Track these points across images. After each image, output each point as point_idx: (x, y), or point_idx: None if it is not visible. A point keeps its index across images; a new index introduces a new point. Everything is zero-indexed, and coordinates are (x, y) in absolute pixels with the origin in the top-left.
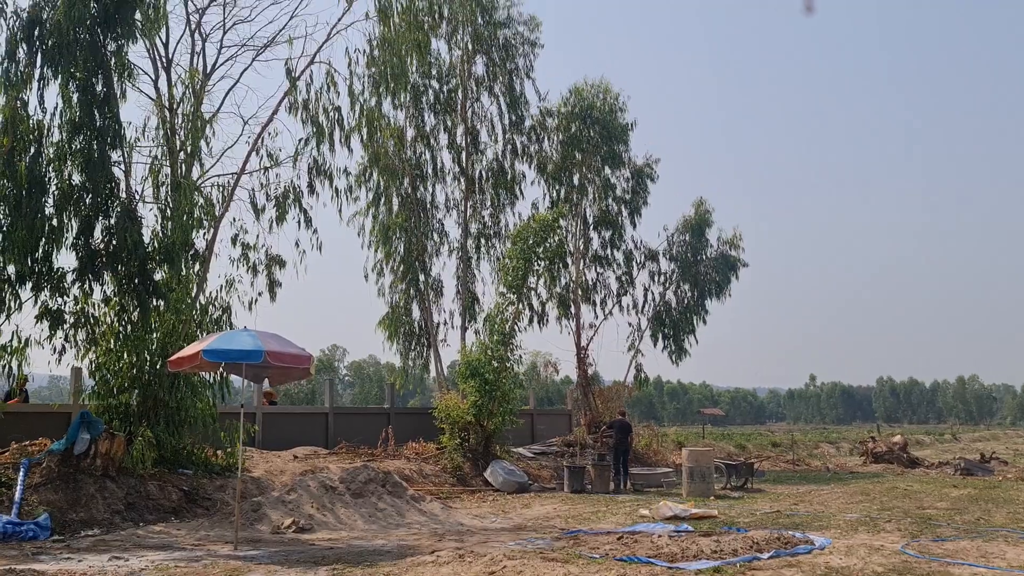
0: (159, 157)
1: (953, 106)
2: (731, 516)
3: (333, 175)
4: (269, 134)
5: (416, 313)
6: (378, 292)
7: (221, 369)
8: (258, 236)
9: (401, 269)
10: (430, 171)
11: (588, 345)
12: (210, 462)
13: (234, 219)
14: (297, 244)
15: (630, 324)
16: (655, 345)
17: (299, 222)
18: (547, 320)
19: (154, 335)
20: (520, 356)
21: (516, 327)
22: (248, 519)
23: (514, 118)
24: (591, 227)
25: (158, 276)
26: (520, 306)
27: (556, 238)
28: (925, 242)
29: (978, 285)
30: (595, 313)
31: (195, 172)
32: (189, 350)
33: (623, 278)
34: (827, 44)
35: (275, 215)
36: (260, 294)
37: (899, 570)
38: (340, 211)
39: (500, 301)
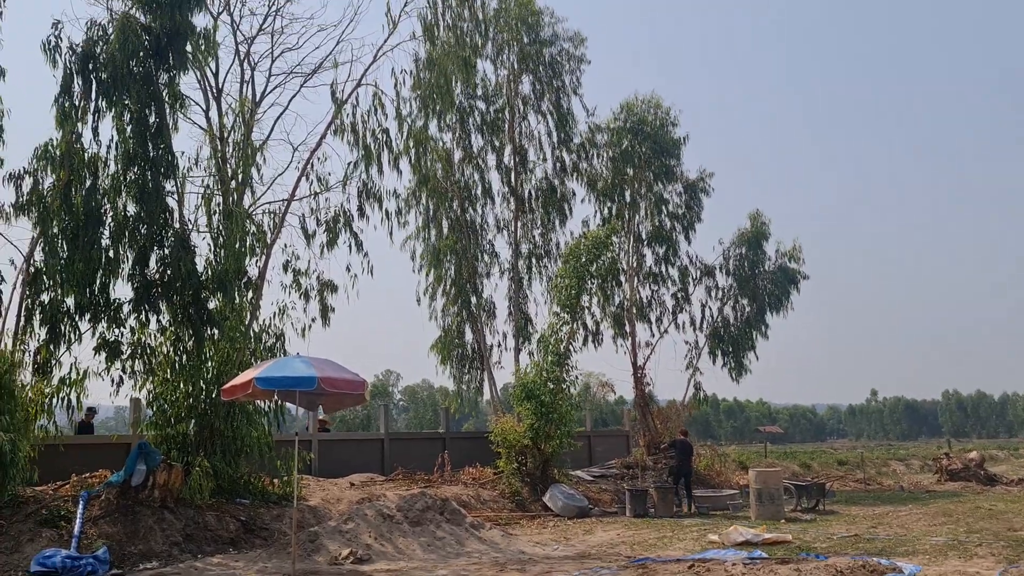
0: (211, 186)
1: None
2: (806, 541)
3: (383, 197)
4: (318, 159)
5: (468, 336)
6: (430, 316)
7: (276, 397)
8: (309, 262)
9: (452, 292)
10: (479, 192)
11: (645, 364)
12: (267, 491)
13: (285, 245)
14: (348, 268)
15: (687, 342)
16: (713, 363)
17: (350, 246)
18: (602, 339)
19: (209, 364)
20: (576, 377)
21: (571, 347)
22: (305, 550)
23: (562, 136)
24: (644, 243)
25: (212, 305)
26: (575, 326)
27: (609, 255)
28: (990, 251)
29: None
30: (651, 331)
31: (246, 200)
32: (242, 378)
33: (678, 295)
34: (893, 45)
35: (326, 240)
36: (313, 320)
37: None
38: (391, 233)
39: (554, 321)
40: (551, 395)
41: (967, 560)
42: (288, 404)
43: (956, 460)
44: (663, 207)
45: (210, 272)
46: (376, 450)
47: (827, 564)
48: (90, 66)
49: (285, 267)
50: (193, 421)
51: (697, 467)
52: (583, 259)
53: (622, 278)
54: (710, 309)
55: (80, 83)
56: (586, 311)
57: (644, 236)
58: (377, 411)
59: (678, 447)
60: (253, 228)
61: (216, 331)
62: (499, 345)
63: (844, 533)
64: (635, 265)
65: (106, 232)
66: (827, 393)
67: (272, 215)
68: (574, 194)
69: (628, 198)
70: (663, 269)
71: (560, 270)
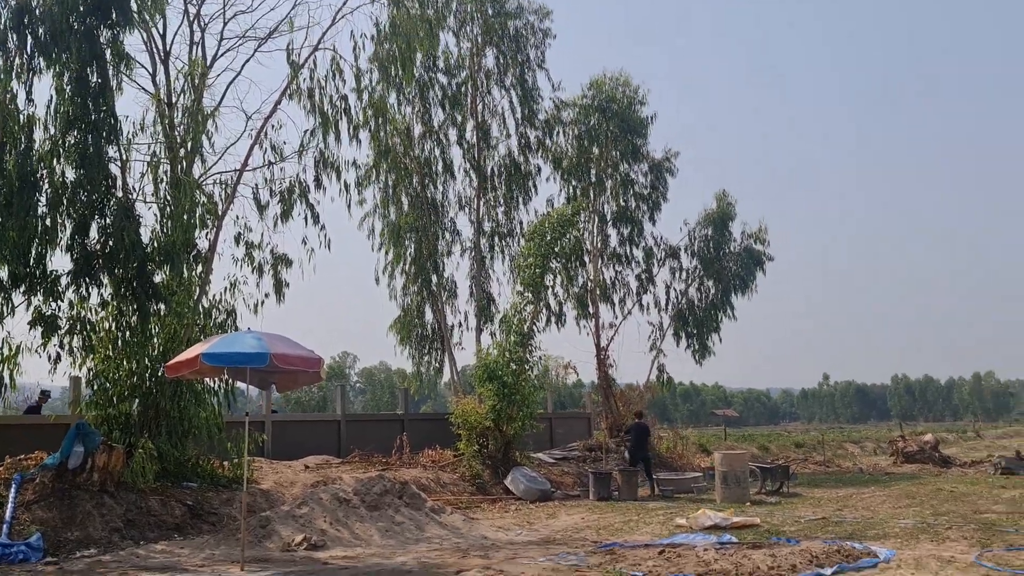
0: (157, 153)
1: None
2: (774, 524)
3: (341, 168)
4: (272, 126)
5: (429, 315)
6: (389, 295)
7: (225, 375)
8: (262, 234)
9: (412, 270)
10: (440, 168)
11: (608, 345)
12: (216, 474)
13: (237, 217)
14: (304, 242)
15: (651, 323)
16: (678, 344)
17: (306, 218)
18: (565, 320)
19: (155, 341)
20: (540, 357)
21: (535, 327)
22: (256, 536)
23: (527, 111)
24: (609, 224)
25: (158, 278)
26: (538, 305)
27: (574, 234)
28: (938, 239)
29: (993, 281)
30: (614, 313)
31: (196, 170)
32: (188, 354)
33: (643, 276)
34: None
35: (280, 212)
36: (267, 296)
37: None
38: (349, 207)
39: (517, 300)
40: (514, 376)
41: (939, 544)
42: (240, 383)
43: (911, 442)
44: (629, 187)
45: (156, 244)
46: (332, 432)
47: (801, 549)
48: (26, 20)
49: (237, 240)
50: (137, 400)
51: (659, 449)
52: (548, 237)
53: (586, 258)
54: (675, 290)
55: (15, 39)
56: (550, 291)
57: (609, 216)
58: (333, 392)
59: (634, 431)
60: (203, 199)
61: (162, 306)
62: (460, 325)
63: (811, 516)
64: (599, 245)
65: (43, 199)
66: (780, 377)
67: (223, 185)
68: (539, 170)
69: (593, 177)
70: (628, 250)
71: (524, 248)
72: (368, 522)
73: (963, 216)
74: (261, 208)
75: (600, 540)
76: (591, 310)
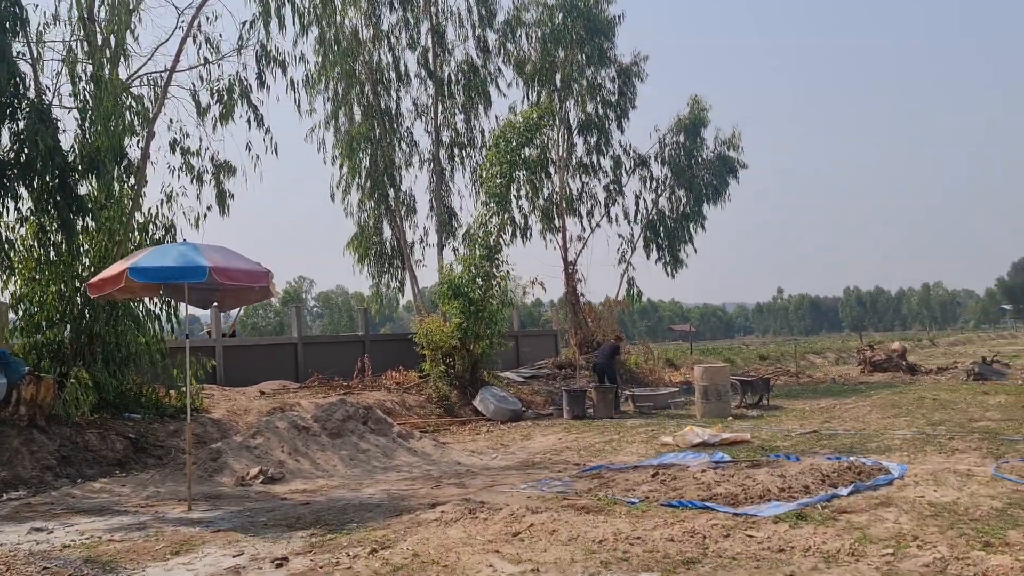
0: (75, 48)
1: (952, 26)
2: (764, 440)
3: (287, 63)
4: (207, 17)
5: (387, 232)
6: (345, 211)
7: (161, 293)
8: (201, 140)
9: (368, 185)
10: (393, 75)
11: (576, 259)
12: (162, 404)
13: (172, 121)
14: (248, 148)
15: (620, 236)
16: (648, 257)
17: (249, 121)
18: (530, 234)
19: (84, 260)
20: (508, 272)
21: (501, 240)
22: (206, 470)
23: (485, 12)
24: (575, 132)
25: (83, 190)
26: (504, 217)
27: (541, 140)
28: (889, 153)
29: (941, 195)
30: (582, 226)
31: (123, 72)
32: (113, 270)
33: (611, 187)
34: None
35: (220, 112)
36: (209, 208)
37: (1019, 503)
38: (298, 106)
39: (482, 212)
40: (480, 292)
41: (949, 456)
42: (182, 303)
43: (879, 351)
44: (596, 93)
45: (79, 151)
46: (289, 356)
47: (810, 467)
48: None
49: (172, 146)
50: (68, 326)
51: (627, 363)
52: (513, 143)
53: (551, 169)
54: (645, 201)
55: None
56: (515, 203)
57: (575, 124)
58: (290, 315)
59: (603, 346)
60: (131, 101)
61: (90, 221)
62: (421, 241)
63: (801, 430)
64: (565, 155)
65: None
66: (735, 292)
67: (154, 86)
68: (500, 71)
69: (559, 83)
70: (595, 159)
71: (488, 156)
72: (330, 451)
73: (919, 129)
74: (200, 110)
75: (583, 463)
76: (558, 223)
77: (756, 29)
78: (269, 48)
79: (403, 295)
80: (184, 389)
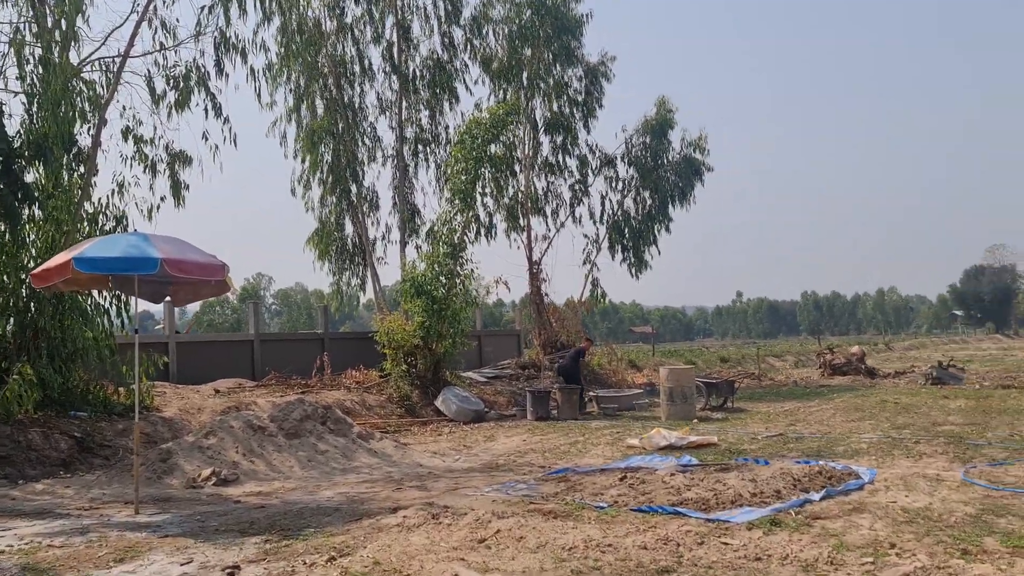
0: (22, 29)
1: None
2: (731, 443)
3: (246, 50)
4: (163, 0)
5: (349, 228)
6: (306, 207)
7: (111, 285)
8: (156, 128)
9: (330, 180)
10: (357, 69)
11: (541, 259)
12: (110, 402)
13: (125, 108)
14: (205, 137)
15: (585, 236)
16: (613, 258)
17: (206, 109)
18: (495, 233)
19: (31, 250)
20: (472, 270)
21: (466, 238)
22: (155, 471)
23: (450, 8)
24: (541, 131)
25: (30, 177)
26: (469, 214)
27: (507, 138)
28: (846, 159)
29: (899, 203)
30: (547, 225)
31: (74, 56)
32: (58, 259)
33: (576, 186)
34: None
35: (175, 99)
36: (162, 199)
37: (992, 509)
38: (259, 95)
39: (447, 209)
40: (444, 290)
41: (916, 460)
42: (133, 297)
43: (839, 355)
44: (563, 92)
45: (26, 136)
46: (246, 353)
47: (781, 470)
48: None
49: (125, 134)
50: (11, 319)
51: (591, 364)
52: (479, 139)
53: (517, 167)
54: (611, 201)
55: None
56: (479, 201)
57: (541, 123)
58: (247, 312)
59: (571, 349)
60: (82, 86)
61: (37, 210)
62: (383, 238)
63: (767, 432)
64: (531, 154)
65: None
66: (695, 295)
67: (106, 71)
68: (467, 65)
69: (525, 81)
70: (561, 159)
71: (454, 151)
72: (287, 452)
73: (876, 139)
74: (156, 96)
75: (548, 465)
76: (523, 223)
77: (735, 29)
78: (229, 35)
79: (364, 293)
80: (133, 387)
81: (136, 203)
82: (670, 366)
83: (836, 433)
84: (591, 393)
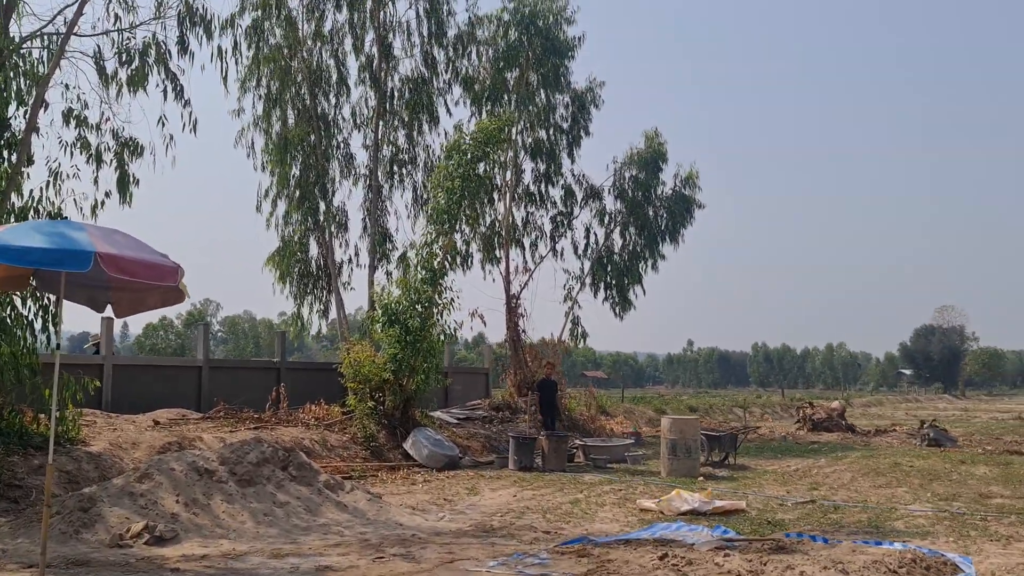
0: None
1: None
2: (759, 509)
3: (213, 26)
4: None
5: (314, 250)
6: (268, 223)
7: (33, 284)
8: (103, 112)
9: (297, 195)
10: (334, 78)
11: (520, 293)
12: (27, 431)
13: (67, 87)
14: (162, 122)
15: (566, 271)
16: (595, 296)
17: (165, 91)
18: (471, 263)
19: None
20: (452, 299)
21: (447, 264)
22: (73, 523)
23: (434, 27)
24: (524, 157)
25: None
26: (452, 237)
27: (497, 157)
28: (801, 213)
29: (844, 258)
30: (524, 258)
31: (14, 30)
32: None
33: (558, 218)
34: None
35: (129, 76)
36: (108, 194)
37: None
38: (225, 78)
39: (428, 231)
40: (420, 320)
41: (1005, 545)
42: (67, 302)
43: (820, 409)
44: (549, 117)
45: None
46: (192, 381)
47: (874, 561)
48: None
49: (67, 117)
50: None
51: (567, 407)
52: (468, 156)
53: (495, 195)
54: (595, 235)
55: None
56: (457, 228)
57: (524, 150)
58: (194, 337)
59: (546, 387)
60: (19, 62)
61: None
62: (350, 262)
63: (792, 497)
64: (512, 181)
65: None
66: (646, 342)
67: (48, 45)
68: (450, 86)
69: (512, 105)
70: (543, 188)
71: (439, 167)
72: (239, 503)
73: (826, 195)
74: (105, 77)
75: (554, 530)
76: (500, 253)
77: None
78: (194, 6)
79: (326, 319)
80: (58, 414)
81: (75, 198)
82: (673, 416)
83: (872, 501)
84: (577, 442)
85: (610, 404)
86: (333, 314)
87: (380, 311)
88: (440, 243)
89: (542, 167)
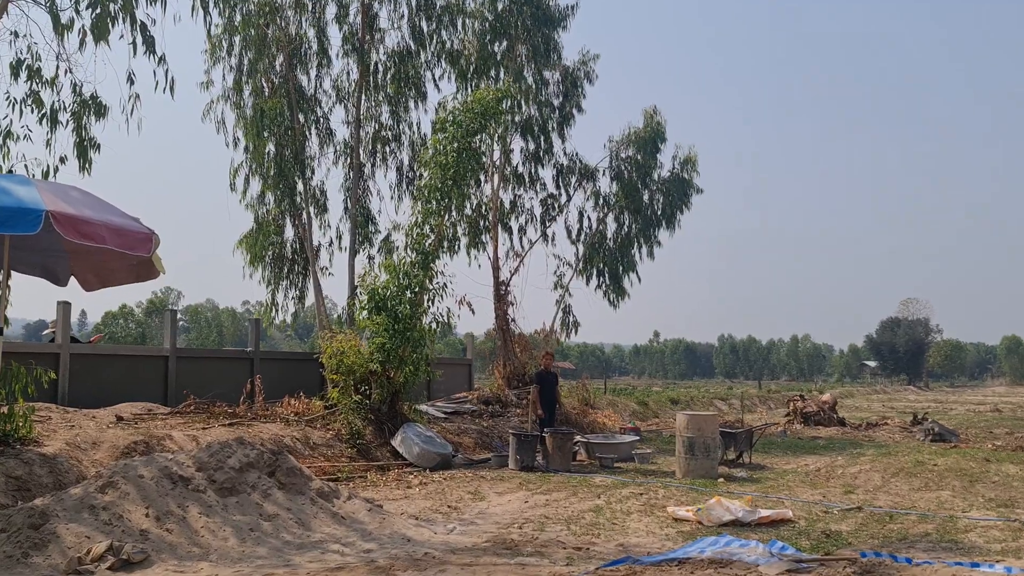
0: None
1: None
2: (806, 518)
3: None
4: None
5: (290, 232)
6: (241, 202)
7: None
8: (58, 65)
9: (272, 173)
10: (315, 47)
11: (510, 280)
12: None
13: (16, 33)
14: (131, 79)
15: (558, 256)
16: (587, 283)
17: (134, 43)
18: (458, 248)
19: None
20: (444, 284)
21: (440, 246)
22: (22, 544)
23: (422, 2)
24: (514, 136)
25: None
26: (447, 217)
27: (499, 128)
28: (772, 204)
29: (808, 251)
30: (511, 243)
31: None
32: None
33: (549, 200)
34: None
35: (90, 24)
36: (63, 160)
37: None
38: (209, 32)
39: (420, 209)
40: (410, 307)
41: None
42: (16, 274)
43: (811, 403)
44: (540, 94)
45: None
46: (158, 372)
47: None
48: None
49: (14, 69)
50: None
51: (566, 407)
52: (464, 127)
53: (482, 176)
54: (588, 219)
55: None
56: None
57: (512, 128)
58: (156, 325)
59: (547, 379)
60: None
61: None
62: (330, 245)
63: (832, 503)
64: (501, 162)
65: None
66: (612, 333)
67: None
68: (439, 59)
69: (501, 81)
70: (534, 169)
71: (433, 141)
72: (220, 516)
73: (796, 188)
74: (60, 26)
75: (585, 545)
76: (489, 236)
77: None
78: None
79: (303, 305)
80: (5, 408)
81: (27, 164)
82: (690, 412)
83: (922, 507)
84: (579, 438)
85: (593, 396)
86: (310, 300)
87: (366, 297)
88: (431, 223)
89: (532, 146)
